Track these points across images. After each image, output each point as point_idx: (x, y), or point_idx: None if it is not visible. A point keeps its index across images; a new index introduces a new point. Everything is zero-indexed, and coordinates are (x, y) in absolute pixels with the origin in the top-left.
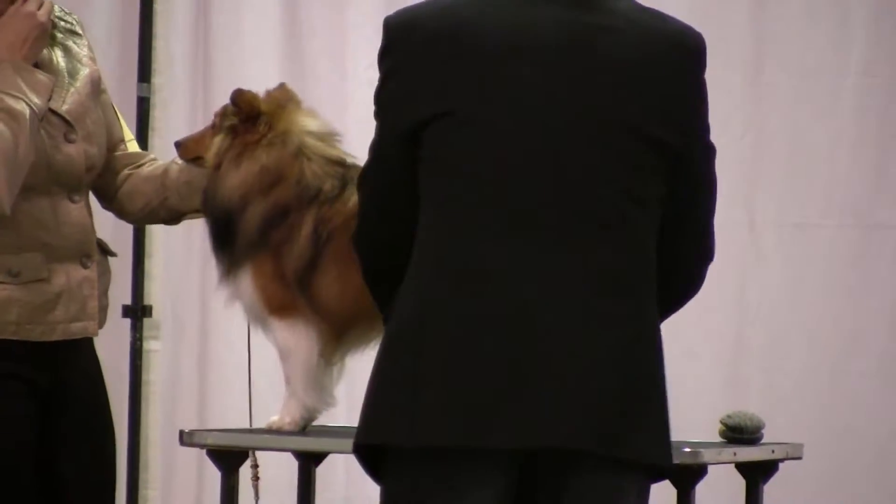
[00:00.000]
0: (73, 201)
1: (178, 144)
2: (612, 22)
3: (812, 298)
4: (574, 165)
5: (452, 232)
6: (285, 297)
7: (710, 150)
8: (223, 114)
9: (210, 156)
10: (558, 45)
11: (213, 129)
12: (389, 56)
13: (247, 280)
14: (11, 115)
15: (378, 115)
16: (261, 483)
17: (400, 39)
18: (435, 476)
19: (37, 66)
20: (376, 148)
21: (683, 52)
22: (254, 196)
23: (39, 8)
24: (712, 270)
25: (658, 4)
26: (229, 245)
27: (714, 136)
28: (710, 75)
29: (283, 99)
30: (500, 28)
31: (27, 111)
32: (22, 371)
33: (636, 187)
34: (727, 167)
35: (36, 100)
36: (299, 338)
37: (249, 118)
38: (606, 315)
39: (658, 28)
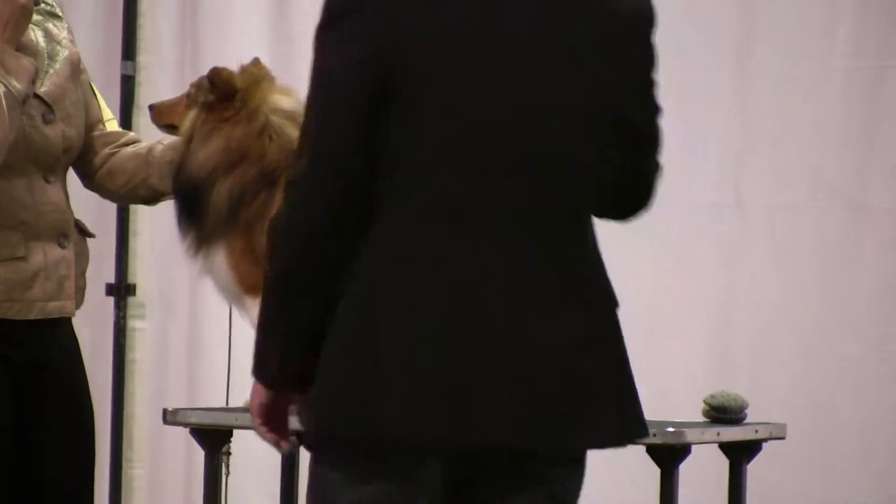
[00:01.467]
0: (48, 181)
1: (151, 108)
2: None
3: (799, 279)
4: (546, 154)
5: (425, 224)
6: (258, 276)
7: (658, 110)
8: (198, 86)
9: (183, 129)
10: (528, 28)
11: (189, 98)
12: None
13: (220, 258)
14: None
15: (332, 81)
16: (241, 461)
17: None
18: (385, 467)
19: (19, 48)
20: (326, 117)
21: (640, 18)
22: (220, 173)
23: None
24: (699, 250)
25: None
26: (195, 220)
27: (702, 117)
28: (698, 56)
29: (258, 75)
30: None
31: (5, 95)
32: None
33: (603, 172)
34: (715, 148)
35: (17, 84)
36: None
37: (225, 97)
38: (566, 309)
39: None
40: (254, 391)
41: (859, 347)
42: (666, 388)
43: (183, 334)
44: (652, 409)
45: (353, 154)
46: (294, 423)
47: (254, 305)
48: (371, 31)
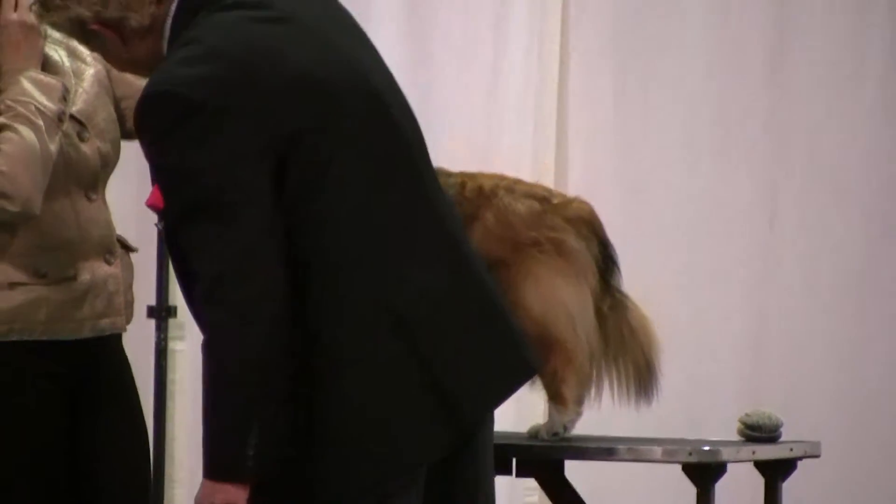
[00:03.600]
0: (90, 199)
1: None
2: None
3: (829, 296)
4: (431, 187)
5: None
6: None
7: None
8: None
9: None
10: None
11: None
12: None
13: None
14: (30, 121)
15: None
16: None
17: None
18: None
19: (44, 68)
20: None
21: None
22: None
23: (16, 10)
24: (730, 269)
25: None
26: None
27: (735, 130)
28: (731, 68)
29: None
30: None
31: (41, 115)
32: (52, 370)
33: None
34: (747, 163)
35: (49, 104)
36: None
37: None
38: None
39: None
40: (213, 493)
41: (892, 364)
42: (699, 406)
43: None
44: (687, 428)
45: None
46: None
47: None
48: (248, 123)
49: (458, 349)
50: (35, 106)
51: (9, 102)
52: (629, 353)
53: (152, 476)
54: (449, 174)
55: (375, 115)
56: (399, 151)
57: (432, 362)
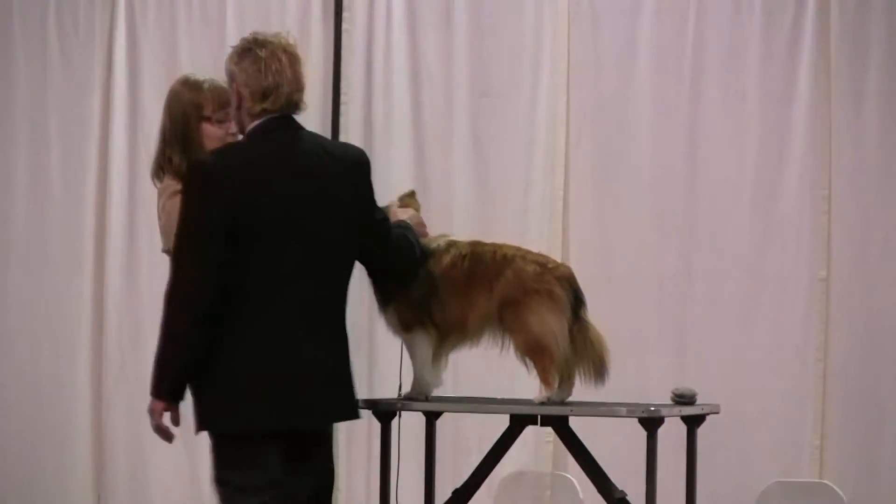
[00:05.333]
0: None
1: None
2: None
3: (719, 302)
4: (326, 270)
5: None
6: (409, 318)
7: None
8: None
9: None
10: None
11: None
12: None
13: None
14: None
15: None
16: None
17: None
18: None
19: None
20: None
21: (361, 168)
22: None
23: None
24: (655, 287)
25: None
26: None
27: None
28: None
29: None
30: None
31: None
32: None
33: (345, 276)
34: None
35: None
36: (420, 342)
37: None
38: (334, 351)
39: (340, 152)
40: (156, 406)
41: (766, 356)
42: (646, 389)
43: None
44: (637, 399)
45: (217, 267)
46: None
47: (407, 338)
48: (224, 197)
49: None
50: None
51: None
52: (588, 357)
53: None
54: (484, 244)
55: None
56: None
57: (309, 360)
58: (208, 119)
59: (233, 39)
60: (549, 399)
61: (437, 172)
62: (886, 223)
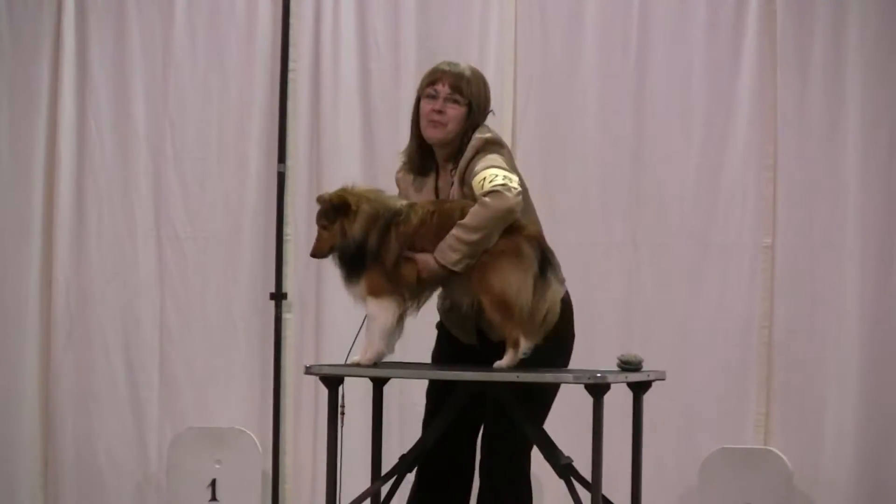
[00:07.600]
0: None
1: (313, 255)
2: None
3: (666, 285)
4: None
5: None
6: (379, 285)
7: None
8: (322, 215)
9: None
10: None
11: (323, 228)
12: None
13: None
14: None
15: None
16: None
17: None
18: None
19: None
20: None
21: None
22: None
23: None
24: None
25: None
26: (355, 265)
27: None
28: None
29: (350, 189)
30: None
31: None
32: None
33: None
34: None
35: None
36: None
37: (338, 208)
38: None
39: None
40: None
41: (709, 338)
42: (595, 353)
43: (312, 322)
44: (586, 365)
45: None
46: None
47: (371, 302)
48: None
49: None
50: None
51: None
52: (544, 310)
53: (273, 402)
54: (451, 201)
55: None
56: None
57: None
58: None
59: (181, 7)
60: (506, 366)
61: (385, 140)
62: (831, 191)
